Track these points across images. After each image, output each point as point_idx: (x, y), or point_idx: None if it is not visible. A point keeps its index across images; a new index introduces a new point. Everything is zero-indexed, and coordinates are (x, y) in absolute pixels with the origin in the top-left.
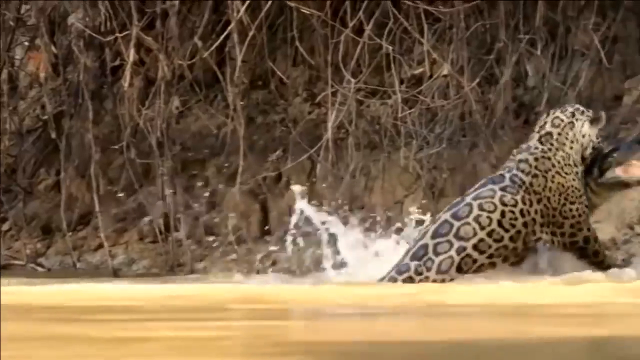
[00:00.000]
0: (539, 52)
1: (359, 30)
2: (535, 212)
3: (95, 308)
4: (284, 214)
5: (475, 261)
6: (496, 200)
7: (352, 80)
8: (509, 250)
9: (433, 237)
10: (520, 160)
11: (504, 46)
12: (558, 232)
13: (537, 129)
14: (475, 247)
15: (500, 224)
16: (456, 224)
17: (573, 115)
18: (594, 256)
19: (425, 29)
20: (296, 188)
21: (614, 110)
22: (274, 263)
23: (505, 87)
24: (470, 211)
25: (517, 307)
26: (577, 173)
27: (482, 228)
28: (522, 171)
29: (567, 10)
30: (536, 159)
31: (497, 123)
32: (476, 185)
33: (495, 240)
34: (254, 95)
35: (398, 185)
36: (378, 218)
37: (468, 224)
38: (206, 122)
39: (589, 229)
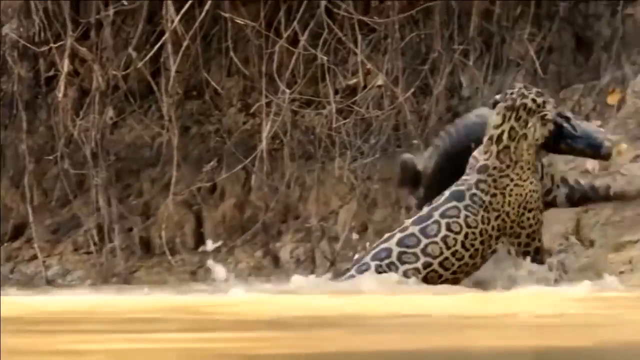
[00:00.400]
0: (472, 63)
1: (293, 41)
2: (493, 228)
3: (28, 319)
4: (218, 224)
5: (440, 276)
6: (461, 221)
7: (287, 90)
8: (470, 267)
9: (399, 244)
10: (479, 180)
11: (439, 56)
12: (515, 242)
13: (494, 140)
14: (441, 264)
15: (463, 245)
16: (424, 240)
17: (526, 124)
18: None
19: (360, 39)
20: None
21: None
22: (208, 272)
23: (440, 98)
24: (439, 230)
25: (456, 317)
26: (534, 173)
27: (448, 248)
28: (482, 191)
29: (502, 21)
30: (494, 180)
31: (431, 133)
32: (440, 200)
33: (458, 259)
34: (188, 106)
35: (333, 196)
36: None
37: (436, 243)
38: (140, 132)
39: (539, 240)
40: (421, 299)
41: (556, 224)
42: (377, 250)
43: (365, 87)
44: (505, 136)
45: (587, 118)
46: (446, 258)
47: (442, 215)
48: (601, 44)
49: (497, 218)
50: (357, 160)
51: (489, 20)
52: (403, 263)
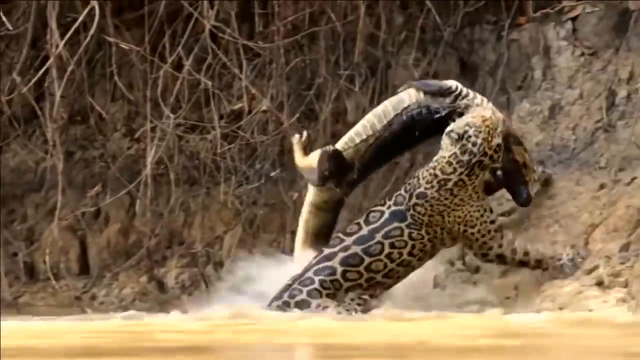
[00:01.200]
0: (358, 88)
1: (178, 66)
2: (441, 233)
3: None
4: (103, 249)
5: (382, 284)
6: (406, 237)
7: (172, 115)
8: (416, 267)
9: (342, 264)
10: (416, 204)
11: (324, 82)
12: (472, 253)
13: (439, 181)
14: (385, 275)
15: (411, 253)
16: (367, 259)
17: (477, 178)
18: (525, 266)
19: (245, 64)
20: None
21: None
22: (93, 298)
23: (325, 123)
24: (382, 249)
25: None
26: (474, 190)
27: (393, 261)
28: (419, 213)
29: (387, 46)
30: (431, 206)
31: None
32: (381, 220)
33: (404, 265)
34: (72, 131)
35: (218, 221)
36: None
37: (380, 260)
38: (25, 157)
39: (500, 245)
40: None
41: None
42: (320, 267)
43: (250, 112)
44: (451, 184)
45: None
46: (391, 269)
47: (385, 237)
48: (486, 69)
49: (442, 230)
50: (242, 186)
51: (374, 46)
52: (347, 280)
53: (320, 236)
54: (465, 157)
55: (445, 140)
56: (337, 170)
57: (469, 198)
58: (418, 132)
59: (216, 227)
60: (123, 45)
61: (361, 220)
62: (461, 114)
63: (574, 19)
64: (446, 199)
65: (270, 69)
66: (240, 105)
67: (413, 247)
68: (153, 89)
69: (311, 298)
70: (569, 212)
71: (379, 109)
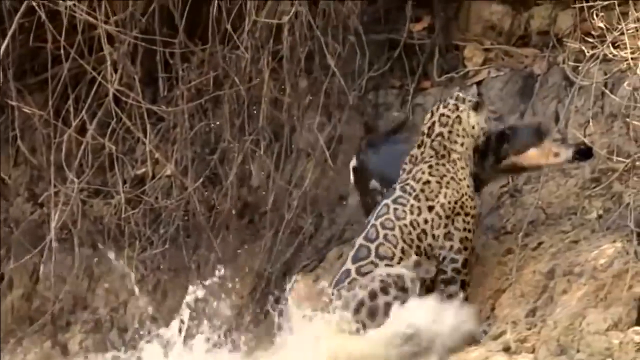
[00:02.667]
0: (263, 152)
1: (81, 130)
2: (425, 221)
3: None
4: (7, 315)
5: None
6: (392, 216)
7: (76, 180)
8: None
9: (354, 261)
10: (414, 171)
11: (229, 146)
12: (447, 246)
13: (426, 131)
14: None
15: (404, 240)
16: (372, 245)
17: (457, 108)
18: (459, 286)
19: (149, 128)
20: None
21: (339, 211)
22: None
23: (230, 187)
24: (377, 233)
25: None
26: (469, 178)
27: (395, 246)
28: (415, 179)
29: (292, 110)
30: (430, 167)
31: (222, 224)
32: (376, 209)
33: (408, 256)
34: None
35: (122, 286)
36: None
37: (382, 244)
38: None
39: (466, 265)
40: None
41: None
42: (338, 277)
43: (154, 176)
44: (436, 125)
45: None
46: (400, 258)
47: (377, 217)
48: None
49: (430, 209)
50: (146, 250)
51: (279, 110)
52: (363, 275)
53: None
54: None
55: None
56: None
57: (462, 168)
58: None
59: (120, 292)
60: (26, 109)
61: None
62: None
63: (479, 84)
64: (442, 156)
65: (174, 133)
66: (144, 169)
67: (401, 229)
68: (57, 153)
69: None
70: (474, 278)
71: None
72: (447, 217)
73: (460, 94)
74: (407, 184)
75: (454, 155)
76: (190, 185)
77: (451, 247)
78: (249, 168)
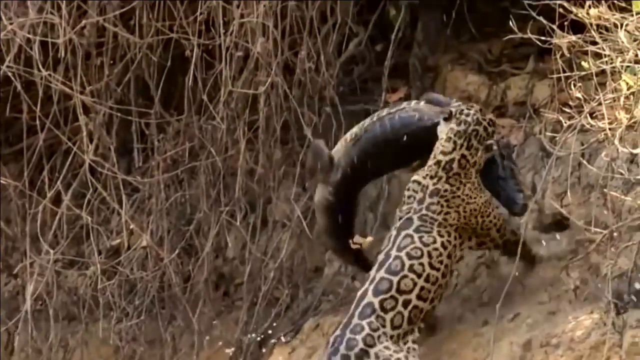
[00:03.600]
0: (239, 223)
1: (56, 200)
2: (455, 237)
3: None
4: None
5: (421, 310)
6: (418, 244)
7: (51, 250)
8: (443, 287)
9: (375, 294)
10: (430, 203)
11: (204, 217)
12: (488, 241)
13: (443, 168)
14: (418, 296)
15: (431, 266)
16: (394, 279)
17: (477, 152)
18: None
19: (124, 199)
20: None
21: (315, 282)
22: None
23: (205, 258)
24: (403, 264)
25: None
26: (481, 189)
27: (420, 276)
28: (433, 212)
29: (268, 181)
30: (447, 200)
31: (197, 295)
32: (390, 240)
33: (432, 284)
34: None
35: (97, 358)
36: None
37: (406, 276)
38: None
39: (511, 232)
40: None
41: None
42: (360, 308)
43: (129, 247)
44: (455, 164)
45: (353, 278)
46: (422, 288)
47: (399, 249)
48: (367, 204)
49: (456, 229)
50: (122, 322)
51: (255, 180)
52: (387, 311)
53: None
54: (462, 127)
55: (440, 126)
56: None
57: (474, 187)
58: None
59: None
60: (1, 180)
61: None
62: None
63: None
64: (458, 188)
65: (150, 203)
66: (119, 240)
67: (430, 255)
68: (31, 224)
69: (367, 346)
70: (451, 349)
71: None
72: (474, 228)
73: (481, 131)
74: (426, 215)
75: (467, 185)
76: (165, 256)
77: (492, 239)
78: (225, 239)
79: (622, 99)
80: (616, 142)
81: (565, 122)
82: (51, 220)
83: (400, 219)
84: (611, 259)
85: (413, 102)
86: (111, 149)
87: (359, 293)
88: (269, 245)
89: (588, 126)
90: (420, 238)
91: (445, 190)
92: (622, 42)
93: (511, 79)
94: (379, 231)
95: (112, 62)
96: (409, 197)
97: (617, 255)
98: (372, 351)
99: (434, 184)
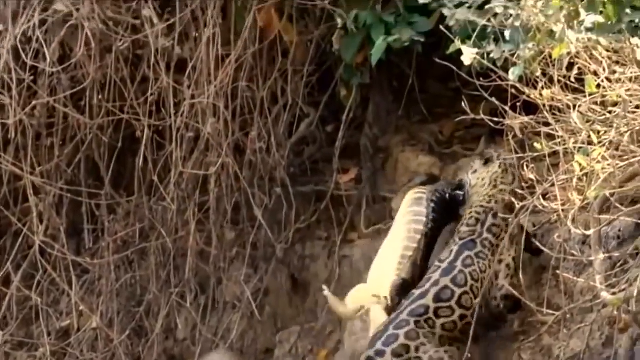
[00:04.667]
0: (189, 304)
1: (6, 281)
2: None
3: None
4: None
5: (470, 326)
6: (477, 269)
7: (0, 332)
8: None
9: (435, 301)
10: (492, 226)
11: (155, 298)
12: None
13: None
14: (472, 315)
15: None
16: (457, 291)
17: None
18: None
19: (74, 280)
20: None
21: None
22: None
23: (156, 340)
24: (466, 280)
25: None
26: None
27: (476, 297)
28: (494, 235)
29: (218, 262)
30: (506, 225)
31: None
32: (454, 251)
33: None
34: None
35: None
36: None
37: (467, 293)
38: None
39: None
40: None
41: None
42: (414, 307)
43: (79, 329)
44: (507, 196)
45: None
46: (475, 309)
47: (464, 265)
48: (317, 286)
49: (499, 262)
50: None
51: (205, 262)
52: (439, 317)
53: None
54: (509, 161)
55: (484, 166)
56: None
57: None
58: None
59: None
60: None
61: (436, 262)
62: (460, 186)
63: None
64: (508, 217)
65: (100, 285)
66: (69, 322)
67: (482, 282)
68: None
69: (409, 340)
70: None
71: (409, 217)
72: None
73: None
74: (487, 239)
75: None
76: (115, 338)
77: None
78: (175, 320)
79: (574, 180)
80: (569, 223)
81: (518, 204)
82: (0, 301)
83: (462, 239)
84: (563, 341)
85: (422, 188)
86: (61, 230)
87: (417, 291)
88: (219, 326)
89: (541, 207)
90: (478, 263)
91: (502, 219)
92: (575, 123)
93: (462, 160)
94: (329, 312)
95: (62, 142)
96: (471, 218)
97: (570, 337)
98: (412, 345)
99: (494, 207)
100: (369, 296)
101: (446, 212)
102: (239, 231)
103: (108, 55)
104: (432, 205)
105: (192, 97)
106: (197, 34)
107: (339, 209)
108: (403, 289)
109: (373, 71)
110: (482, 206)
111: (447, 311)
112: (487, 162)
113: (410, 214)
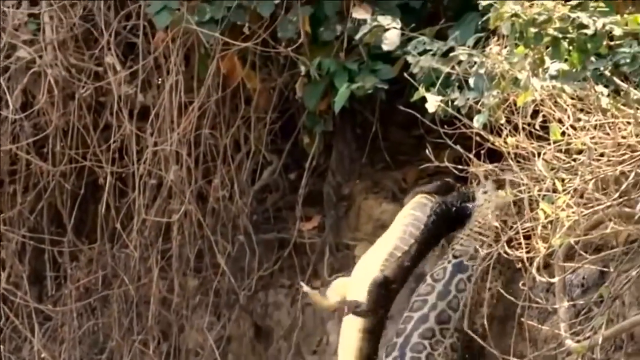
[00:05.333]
0: (152, 351)
1: None
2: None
3: None
4: None
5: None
6: (467, 294)
7: None
8: None
9: (437, 323)
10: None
11: (117, 345)
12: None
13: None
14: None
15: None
16: (453, 315)
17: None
18: None
19: (36, 327)
20: None
21: None
22: None
23: None
24: (459, 305)
25: None
26: None
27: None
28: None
29: (181, 309)
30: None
31: None
32: (447, 272)
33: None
34: None
35: None
36: None
37: (461, 318)
38: None
39: None
40: None
41: None
42: (421, 330)
43: None
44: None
45: None
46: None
47: (457, 290)
48: (280, 333)
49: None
50: None
51: (168, 309)
52: (446, 338)
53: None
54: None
55: (495, 190)
56: (386, 295)
57: None
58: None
59: None
60: None
61: (429, 279)
62: (472, 198)
63: None
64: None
65: (62, 332)
66: None
67: (470, 311)
68: None
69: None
70: None
71: (409, 220)
72: None
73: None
74: (478, 264)
75: None
76: None
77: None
78: None
79: (539, 227)
80: (533, 271)
81: (483, 251)
82: None
83: (455, 257)
84: None
85: (428, 196)
86: (24, 277)
87: (416, 315)
88: None
89: (505, 255)
90: (468, 288)
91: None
92: (540, 170)
93: None
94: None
95: (24, 189)
96: (467, 239)
97: None
98: None
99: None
100: (351, 288)
101: (449, 223)
102: (201, 279)
103: (71, 102)
104: (434, 217)
105: (155, 144)
106: (160, 81)
107: (302, 256)
108: (382, 286)
109: (336, 119)
110: (480, 228)
111: (448, 332)
112: (500, 187)
113: (410, 216)
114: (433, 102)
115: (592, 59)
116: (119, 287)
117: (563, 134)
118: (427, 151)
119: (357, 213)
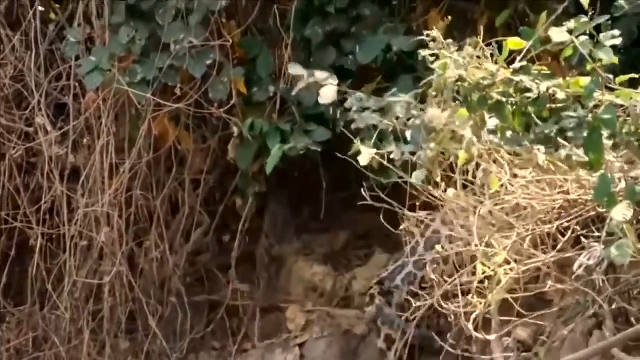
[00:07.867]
0: None
1: None
2: None
3: None
4: None
5: None
6: None
7: None
8: None
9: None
10: None
11: None
12: None
13: None
14: None
15: None
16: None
17: None
18: None
19: None
20: None
21: None
22: None
23: None
24: None
25: None
26: None
27: None
28: None
29: None
30: None
31: None
32: None
33: None
34: None
35: None
36: None
37: None
38: None
39: None
40: None
41: None
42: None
43: None
44: None
45: None
46: None
47: None
48: None
49: None
50: None
51: None
52: None
53: None
54: None
55: None
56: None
57: None
58: None
59: None
60: None
61: None
62: None
63: (301, 345)
64: None
65: None
66: None
67: None
68: None
69: None
70: None
71: None
72: None
73: None
74: None
75: None
76: None
77: None
78: None
79: (476, 283)
80: (470, 326)
81: (416, 304)
82: None
83: None
84: None
85: None
86: None
87: None
88: None
89: (440, 309)
90: None
91: None
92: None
93: (357, 269)
94: None
95: None
96: None
97: None
98: None
99: None
100: None
101: None
102: (133, 341)
103: (2, 163)
104: None
105: (86, 205)
106: (91, 142)
107: (234, 319)
108: None
109: (270, 180)
110: None
111: None
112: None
113: None
114: (366, 155)
115: (537, 121)
116: (50, 349)
117: (501, 186)
118: (357, 213)
119: (288, 275)
